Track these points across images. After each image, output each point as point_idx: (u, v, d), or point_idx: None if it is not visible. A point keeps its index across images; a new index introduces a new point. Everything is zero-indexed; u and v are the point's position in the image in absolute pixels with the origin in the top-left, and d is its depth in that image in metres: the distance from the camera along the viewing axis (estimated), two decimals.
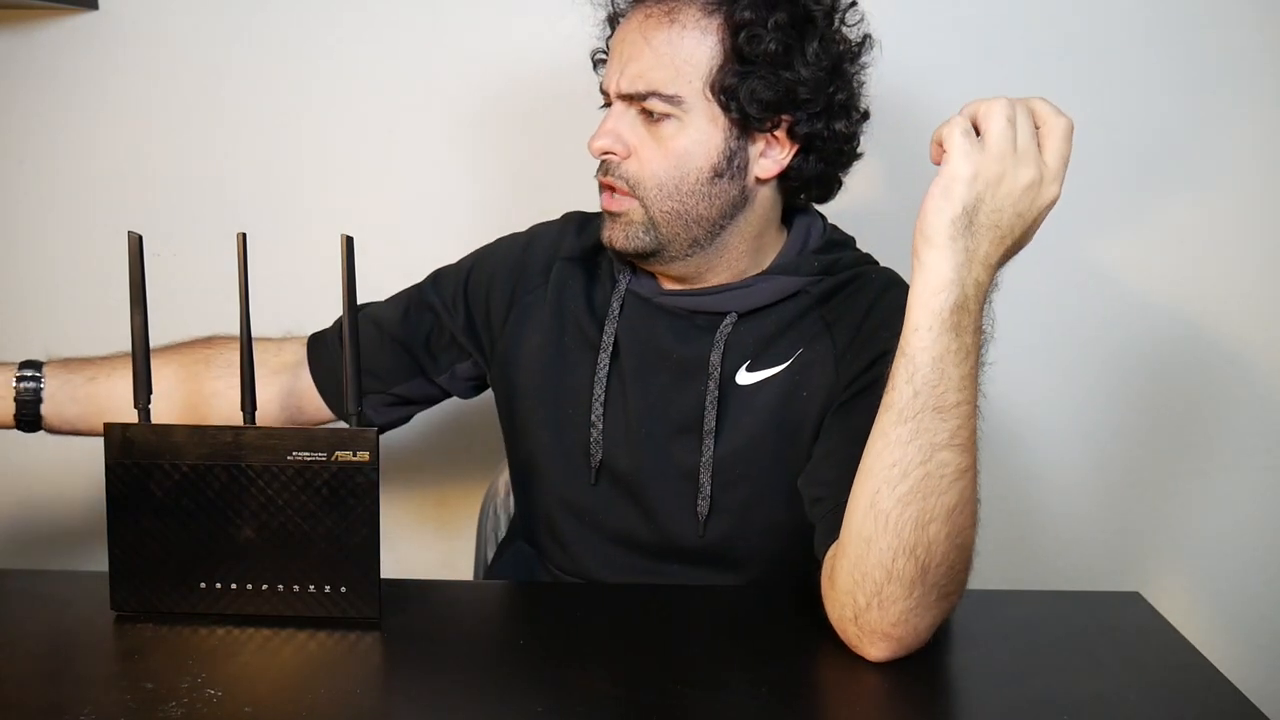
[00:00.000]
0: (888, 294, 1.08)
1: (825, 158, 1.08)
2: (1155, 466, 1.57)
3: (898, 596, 0.85)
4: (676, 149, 1.04)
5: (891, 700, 0.86)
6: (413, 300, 1.22)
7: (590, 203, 1.24)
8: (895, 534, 0.85)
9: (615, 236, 1.07)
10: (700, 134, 1.04)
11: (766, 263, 1.11)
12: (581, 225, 1.20)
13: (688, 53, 1.03)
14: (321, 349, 1.19)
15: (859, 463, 0.89)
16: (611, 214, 1.08)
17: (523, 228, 1.26)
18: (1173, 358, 1.54)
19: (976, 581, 1.19)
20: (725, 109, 1.03)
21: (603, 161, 1.07)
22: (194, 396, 1.15)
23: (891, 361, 0.91)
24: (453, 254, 1.54)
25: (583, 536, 1.13)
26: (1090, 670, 0.88)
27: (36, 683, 0.84)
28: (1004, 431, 1.57)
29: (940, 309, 0.84)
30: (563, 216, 1.23)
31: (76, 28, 1.52)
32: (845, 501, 0.90)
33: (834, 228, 1.16)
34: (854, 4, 1.07)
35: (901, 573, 0.85)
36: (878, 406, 0.90)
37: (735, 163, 1.05)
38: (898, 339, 0.95)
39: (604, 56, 1.13)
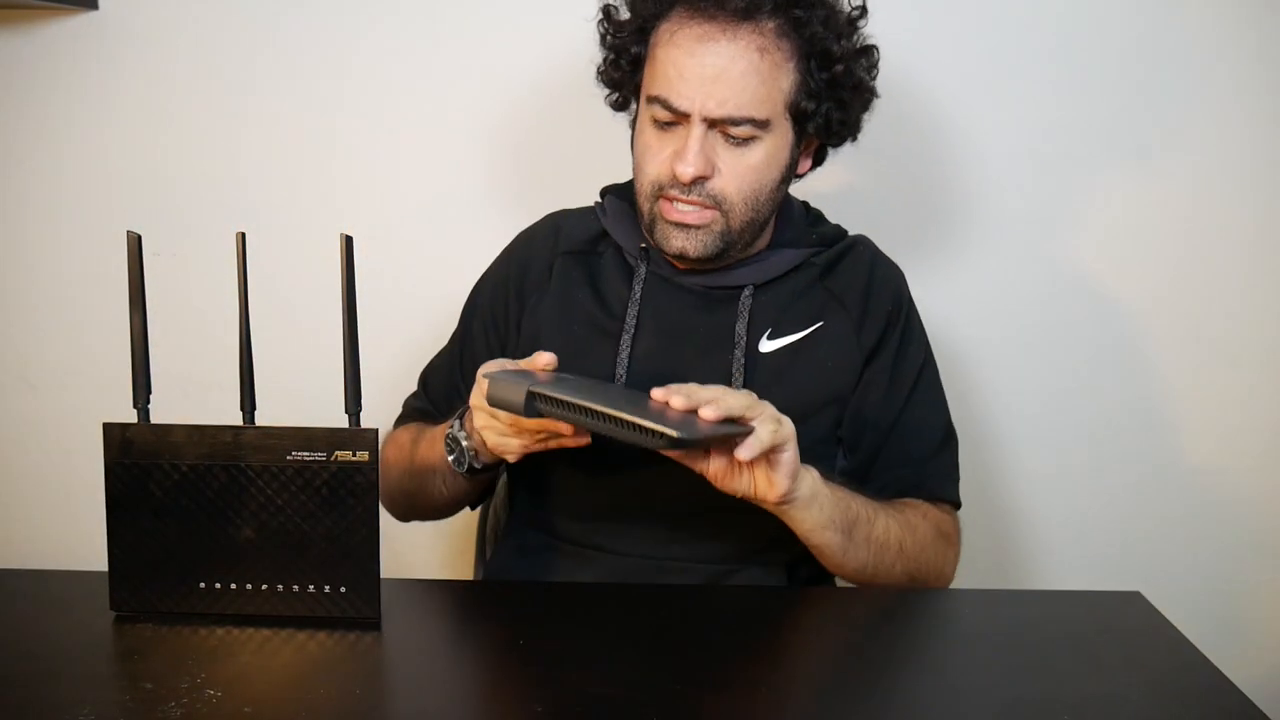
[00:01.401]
0: (878, 265, 1.21)
1: (837, 143, 1.17)
2: (1155, 466, 1.57)
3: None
4: (756, 165, 1.08)
5: (892, 700, 0.86)
6: (449, 363, 1.26)
7: (586, 201, 1.24)
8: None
9: (689, 246, 1.09)
10: (776, 150, 1.09)
11: (767, 237, 1.17)
12: (572, 220, 1.23)
13: (773, 80, 1.07)
14: (426, 377, 1.29)
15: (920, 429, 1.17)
16: (686, 225, 1.09)
17: (523, 226, 1.26)
18: (1172, 358, 1.54)
19: (976, 581, 1.20)
20: (799, 128, 1.11)
21: (677, 181, 1.07)
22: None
23: (894, 319, 1.17)
24: (454, 253, 1.54)
25: (604, 514, 1.15)
26: (1090, 670, 0.88)
27: (36, 683, 0.84)
28: (1004, 432, 1.57)
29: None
30: (547, 216, 1.26)
31: (76, 28, 1.52)
32: (928, 471, 1.16)
33: (805, 203, 1.25)
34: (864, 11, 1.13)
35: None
36: (903, 367, 1.16)
37: (793, 168, 1.14)
38: (896, 305, 1.17)
39: (608, 58, 1.15)
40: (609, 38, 1.15)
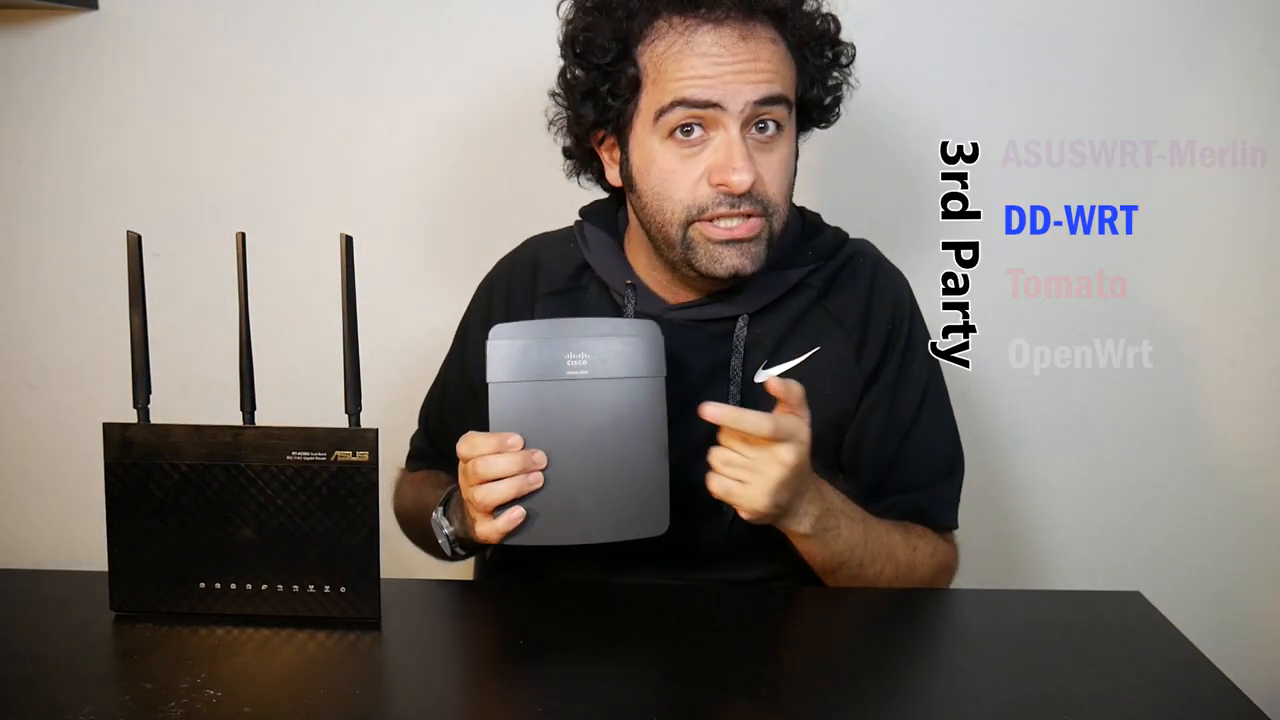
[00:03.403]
0: (878, 277, 1.15)
1: (807, 132, 1.15)
2: (1155, 466, 1.57)
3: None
4: (785, 160, 1.05)
5: (891, 699, 0.86)
6: (440, 405, 1.25)
7: (580, 201, 1.23)
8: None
9: (746, 262, 1.04)
10: (792, 144, 1.07)
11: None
12: (551, 251, 1.19)
13: (786, 65, 1.05)
14: (425, 416, 1.28)
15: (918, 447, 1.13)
16: (740, 240, 1.03)
17: (521, 227, 1.26)
18: (1171, 358, 1.54)
19: (977, 581, 1.20)
20: (805, 119, 1.09)
21: (725, 195, 1.01)
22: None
23: (895, 337, 1.12)
24: (452, 254, 1.54)
25: (605, 556, 1.10)
26: (1090, 670, 0.88)
27: (36, 683, 0.84)
28: (1004, 431, 1.57)
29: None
30: (524, 246, 1.23)
31: (76, 28, 1.52)
32: (931, 497, 1.13)
33: (802, 208, 1.19)
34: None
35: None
36: (904, 393, 1.12)
37: (796, 165, 1.10)
38: (897, 322, 1.13)
39: (581, 75, 1.07)
40: (586, 67, 1.06)
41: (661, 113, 1.02)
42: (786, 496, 0.97)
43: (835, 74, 1.10)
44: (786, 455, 0.95)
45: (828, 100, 1.10)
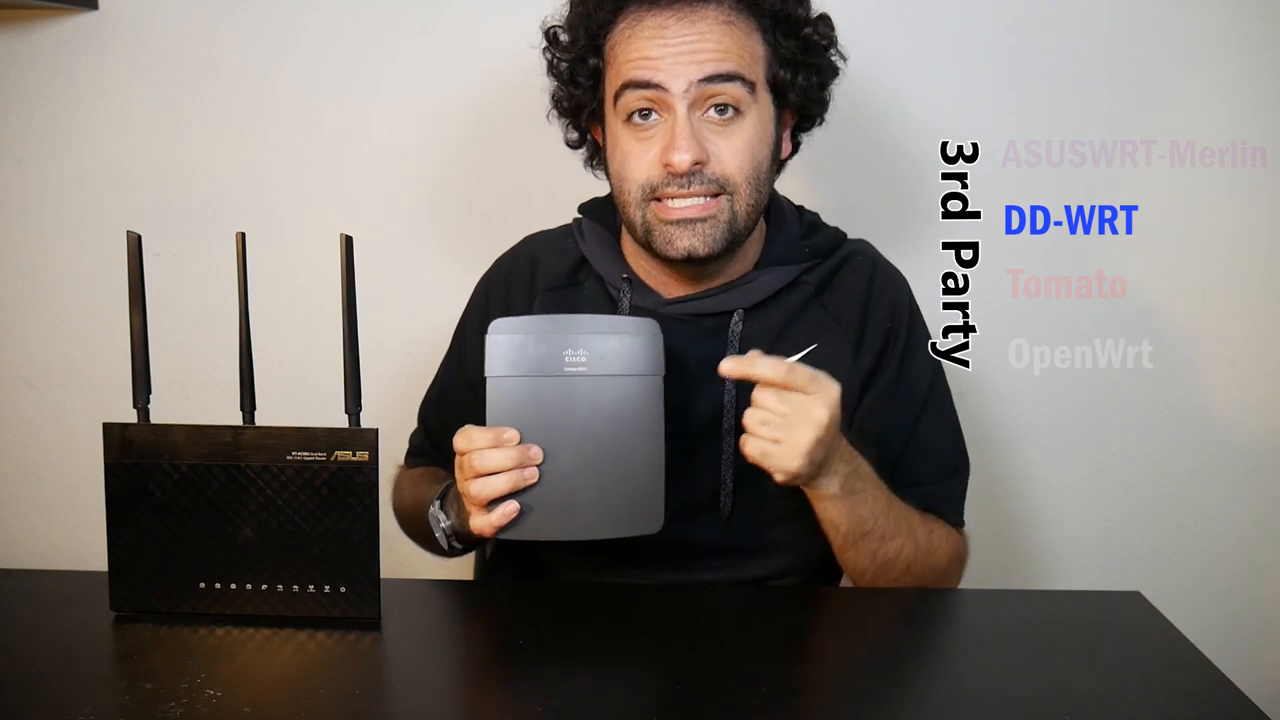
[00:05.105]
0: (876, 275, 1.16)
1: (815, 114, 1.13)
2: (1155, 466, 1.57)
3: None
4: (750, 141, 1.05)
5: (891, 698, 0.86)
6: (439, 404, 1.25)
7: (577, 200, 1.23)
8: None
9: (698, 243, 1.04)
10: (763, 124, 1.06)
11: (754, 254, 1.13)
12: (549, 248, 1.20)
13: (747, 45, 1.05)
14: (424, 413, 1.28)
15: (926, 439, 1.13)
16: (692, 220, 1.04)
17: (520, 227, 1.26)
18: (1171, 358, 1.54)
19: (977, 581, 1.20)
20: (778, 102, 1.08)
21: (672, 175, 1.02)
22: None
23: (894, 336, 1.12)
24: (453, 253, 1.54)
25: (601, 553, 1.10)
26: (1090, 670, 0.88)
27: (36, 683, 0.84)
28: (1004, 431, 1.57)
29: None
30: (523, 243, 1.23)
31: (76, 28, 1.52)
32: (936, 494, 1.13)
33: (801, 207, 1.20)
34: None
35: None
36: (905, 393, 1.12)
37: (779, 148, 1.10)
38: (895, 321, 1.13)
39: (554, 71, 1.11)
40: (559, 59, 1.11)
41: (616, 96, 1.05)
42: (821, 454, 0.97)
43: (811, 56, 1.09)
44: (819, 413, 0.95)
45: (800, 81, 1.08)
